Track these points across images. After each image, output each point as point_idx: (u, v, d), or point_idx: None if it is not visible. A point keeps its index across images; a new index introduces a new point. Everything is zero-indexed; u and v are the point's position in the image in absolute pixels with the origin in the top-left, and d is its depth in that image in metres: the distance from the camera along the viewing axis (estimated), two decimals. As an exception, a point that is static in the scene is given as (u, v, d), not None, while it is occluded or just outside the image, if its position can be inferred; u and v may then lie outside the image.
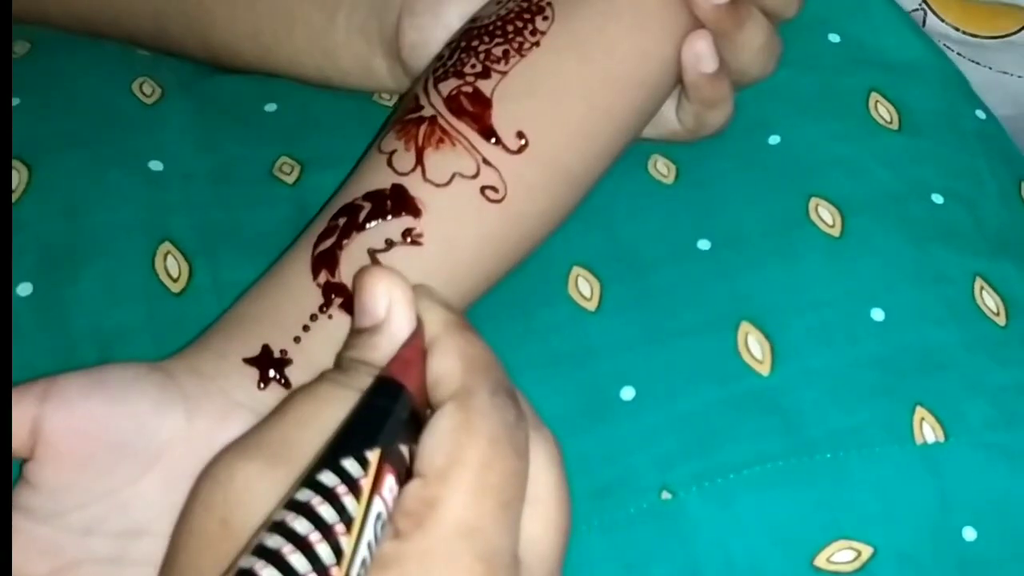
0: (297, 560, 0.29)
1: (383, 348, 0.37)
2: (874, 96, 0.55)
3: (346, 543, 0.30)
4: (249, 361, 0.43)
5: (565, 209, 0.48)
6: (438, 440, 0.33)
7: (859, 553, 0.44)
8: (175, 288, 0.49)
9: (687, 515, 0.45)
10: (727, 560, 0.44)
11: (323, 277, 0.44)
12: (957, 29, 0.65)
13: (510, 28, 0.47)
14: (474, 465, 0.33)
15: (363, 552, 0.31)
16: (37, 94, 0.54)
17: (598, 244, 0.51)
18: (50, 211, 0.50)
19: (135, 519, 0.40)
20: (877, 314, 0.49)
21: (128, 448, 0.40)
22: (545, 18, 0.47)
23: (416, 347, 0.36)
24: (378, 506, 0.32)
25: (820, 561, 0.44)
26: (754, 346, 0.48)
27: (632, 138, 0.50)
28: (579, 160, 0.48)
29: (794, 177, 0.53)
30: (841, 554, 0.44)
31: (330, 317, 0.44)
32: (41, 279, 0.49)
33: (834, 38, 0.57)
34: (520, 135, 0.46)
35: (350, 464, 0.31)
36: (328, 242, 0.45)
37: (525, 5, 0.48)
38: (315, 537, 0.30)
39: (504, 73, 0.46)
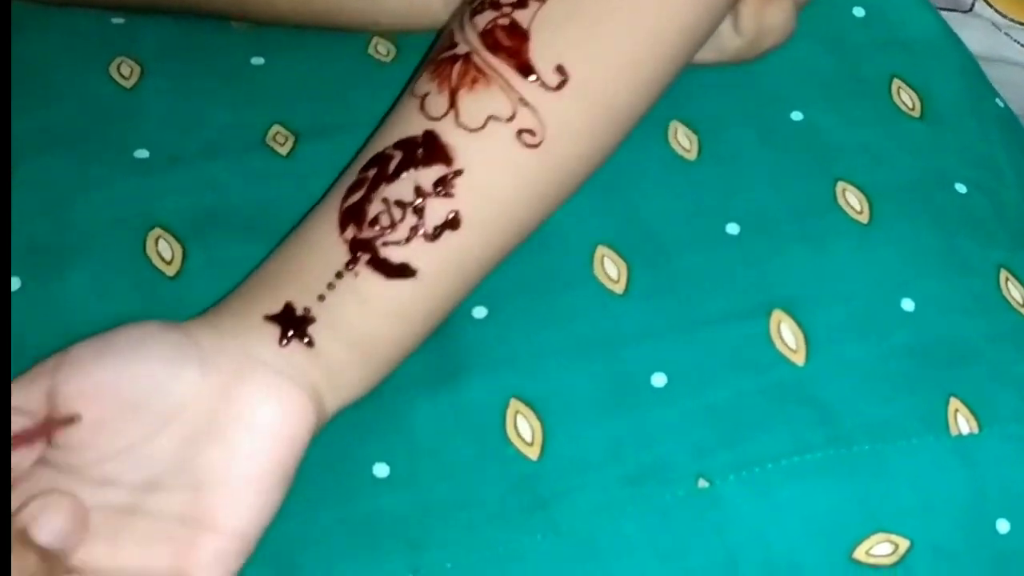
0: None
1: None
2: (896, 82, 0.54)
3: None
4: (271, 318, 0.41)
5: (608, 149, 0.45)
6: None
7: (896, 546, 0.43)
8: (169, 271, 0.47)
9: (724, 504, 0.43)
10: (765, 551, 0.43)
11: (351, 232, 0.42)
12: (1005, 16, 0.65)
13: None
14: None
15: None
16: (13, 85, 0.51)
17: (621, 223, 0.49)
18: (32, 209, 0.48)
19: (151, 473, 0.39)
20: (907, 304, 0.48)
21: (143, 406, 0.39)
22: None
23: None
24: None
25: (859, 554, 0.43)
26: (787, 335, 0.47)
27: (683, 65, 0.46)
28: (624, 93, 0.44)
29: (819, 159, 0.51)
30: (880, 547, 0.43)
31: (356, 275, 0.41)
32: (29, 273, 0.47)
33: (859, 12, 0.56)
34: (559, 69, 0.43)
35: None
36: (357, 195, 0.42)
37: None
38: None
39: (542, 1, 0.43)
